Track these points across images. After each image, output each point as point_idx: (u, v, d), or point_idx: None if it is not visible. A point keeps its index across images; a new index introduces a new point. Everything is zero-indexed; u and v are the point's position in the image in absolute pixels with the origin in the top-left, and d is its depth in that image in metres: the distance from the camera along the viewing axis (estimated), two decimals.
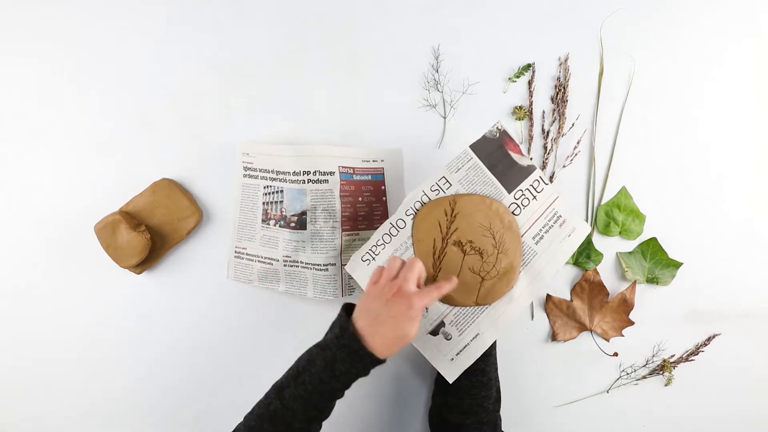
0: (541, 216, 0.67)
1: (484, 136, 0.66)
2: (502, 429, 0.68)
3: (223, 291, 0.77)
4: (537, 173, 0.67)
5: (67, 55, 0.77)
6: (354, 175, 0.74)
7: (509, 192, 0.66)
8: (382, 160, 0.75)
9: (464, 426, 0.64)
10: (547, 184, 0.67)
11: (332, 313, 0.77)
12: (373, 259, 0.66)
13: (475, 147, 0.66)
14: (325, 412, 0.58)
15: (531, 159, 0.67)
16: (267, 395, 0.59)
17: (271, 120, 0.77)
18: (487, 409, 0.66)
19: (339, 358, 0.55)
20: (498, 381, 0.68)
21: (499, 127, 0.67)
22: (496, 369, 0.69)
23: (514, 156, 0.67)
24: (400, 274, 0.58)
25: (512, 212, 0.66)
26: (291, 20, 0.77)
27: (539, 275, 0.66)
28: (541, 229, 0.67)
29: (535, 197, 0.66)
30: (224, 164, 0.76)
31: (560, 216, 0.67)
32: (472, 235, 0.65)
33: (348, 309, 0.60)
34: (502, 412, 0.69)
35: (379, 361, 0.56)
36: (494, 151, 0.66)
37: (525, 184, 0.66)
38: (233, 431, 0.59)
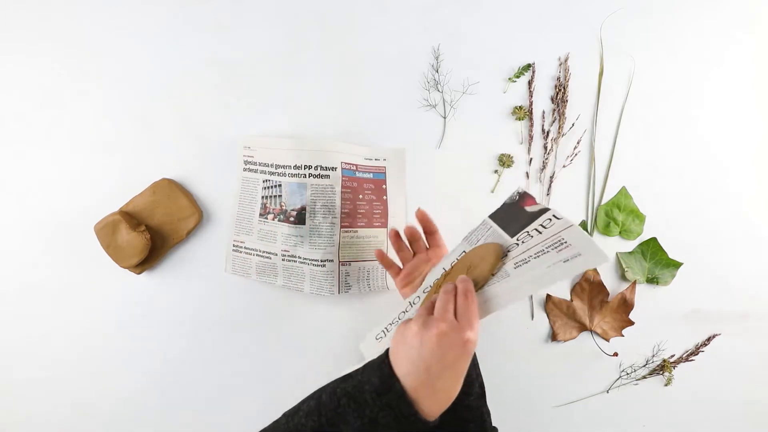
0: (539, 243, 0.54)
1: (504, 204, 0.58)
2: (492, 424, 0.59)
3: (223, 291, 0.77)
4: (549, 213, 0.54)
5: (67, 55, 0.77)
6: (356, 172, 0.74)
7: (512, 236, 0.56)
8: (385, 159, 0.75)
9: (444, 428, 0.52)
10: (559, 219, 0.53)
11: (329, 310, 0.78)
12: (384, 335, 0.62)
13: (494, 216, 0.59)
14: None
15: (547, 207, 0.54)
16: None
17: (270, 120, 0.77)
18: (470, 407, 0.55)
19: (382, 422, 0.44)
20: (479, 376, 0.59)
21: (519, 191, 0.58)
22: (474, 365, 0.59)
23: (528, 208, 0.56)
24: (437, 305, 0.48)
25: (507, 249, 0.55)
26: (291, 20, 0.77)
27: (491, 301, 0.53)
28: (530, 256, 0.53)
29: (540, 233, 0.54)
30: (224, 164, 0.76)
31: (564, 242, 0.52)
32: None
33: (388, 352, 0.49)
34: (503, 412, 0.68)
35: (430, 427, 0.46)
36: (511, 212, 0.57)
37: (532, 226, 0.55)
38: None
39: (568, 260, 0.50)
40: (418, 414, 0.44)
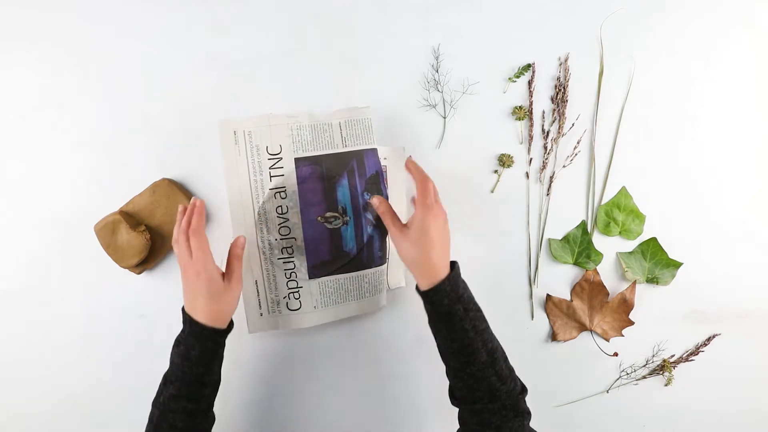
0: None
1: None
2: (521, 392, 0.63)
3: None
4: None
5: (67, 55, 0.77)
6: None
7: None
8: (385, 159, 0.75)
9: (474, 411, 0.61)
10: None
11: None
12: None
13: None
14: (202, 402, 0.61)
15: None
16: (150, 413, 0.63)
17: None
18: (474, 376, 0.60)
19: (190, 345, 0.61)
20: (486, 344, 0.61)
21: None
22: (480, 333, 0.61)
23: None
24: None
25: None
26: (291, 20, 0.77)
27: None
28: None
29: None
30: None
31: None
32: None
33: None
34: None
35: (221, 331, 0.61)
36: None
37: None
38: None
39: None
40: (205, 325, 0.61)
